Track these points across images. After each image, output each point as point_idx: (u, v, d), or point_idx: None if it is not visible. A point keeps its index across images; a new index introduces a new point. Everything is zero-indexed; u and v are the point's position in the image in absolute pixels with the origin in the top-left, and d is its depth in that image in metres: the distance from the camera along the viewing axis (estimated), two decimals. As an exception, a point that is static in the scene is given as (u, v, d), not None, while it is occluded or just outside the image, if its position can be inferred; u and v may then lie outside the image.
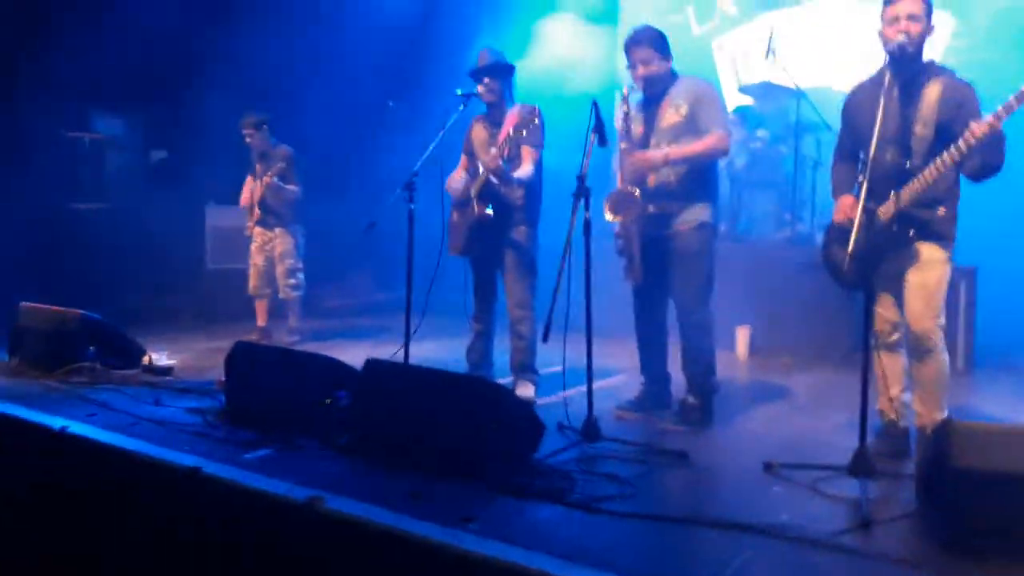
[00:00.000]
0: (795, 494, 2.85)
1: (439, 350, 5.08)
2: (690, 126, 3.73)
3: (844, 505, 2.70)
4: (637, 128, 3.86)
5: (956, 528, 2.30)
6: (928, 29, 3.07)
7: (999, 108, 2.75)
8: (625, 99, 3.82)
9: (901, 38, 3.01)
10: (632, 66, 3.81)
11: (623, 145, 3.79)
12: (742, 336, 5.76)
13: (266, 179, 5.93)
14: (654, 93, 3.83)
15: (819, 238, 4.01)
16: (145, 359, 4.94)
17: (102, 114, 8.14)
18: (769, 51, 6.23)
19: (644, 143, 3.82)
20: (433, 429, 3.09)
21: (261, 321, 6.24)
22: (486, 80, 4.24)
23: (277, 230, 6.12)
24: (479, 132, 4.45)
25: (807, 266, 5.39)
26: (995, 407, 4.20)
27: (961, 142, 2.84)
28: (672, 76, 3.84)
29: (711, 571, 2.24)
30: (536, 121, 4.14)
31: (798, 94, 6.14)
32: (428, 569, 2.40)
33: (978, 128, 2.77)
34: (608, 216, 3.74)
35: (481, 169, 4.15)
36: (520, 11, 7.45)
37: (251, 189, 6.21)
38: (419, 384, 3.26)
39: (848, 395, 4.35)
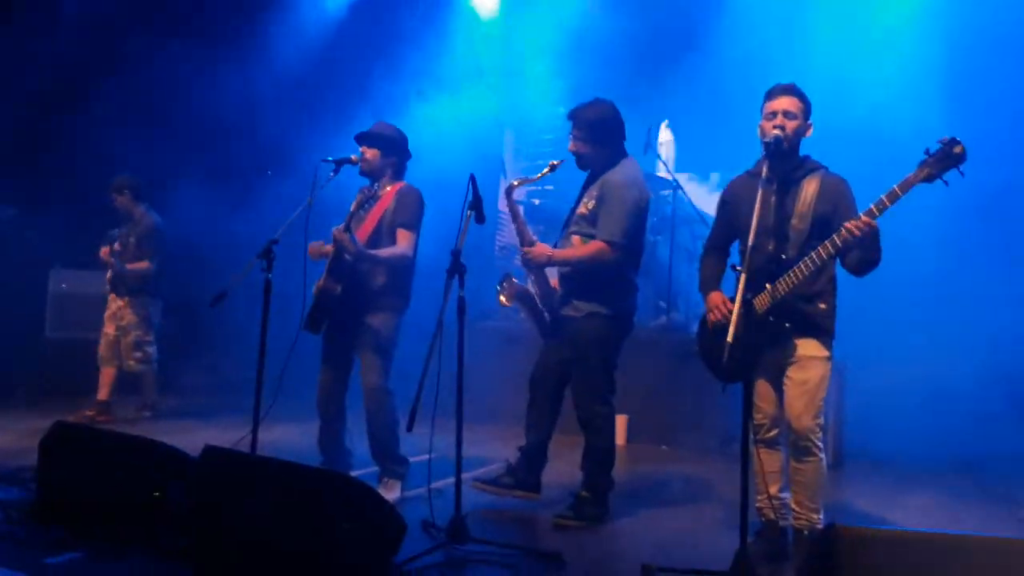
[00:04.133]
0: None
1: (296, 436, 4.67)
2: (592, 223, 3.67)
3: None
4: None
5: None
6: (805, 127, 3.12)
7: (872, 206, 2.78)
8: (511, 191, 3.80)
9: (777, 133, 3.03)
10: (568, 135, 3.77)
11: (519, 240, 3.79)
12: (619, 424, 5.63)
13: (105, 251, 5.65)
14: (590, 172, 3.79)
15: (694, 327, 3.98)
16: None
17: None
18: (647, 146, 6.38)
19: (567, 224, 3.82)
20: (280, 530, 2.71)
21: (102, 394, 5.77)
22: (363, 148, 4.02)
23: (127, 299, 5.82)
24: (354, 204, 4.18)
25: (684, 355, 5.40)
26: (867, 503, 4.19)
27: (837, 238, 2.84)
28: (612, 161, 3.71)
29: None
30: (408, 199, 3.95)
31: (674, 184, 6.27)
32: None
33: (854, 226, 2.77)
34: (502, 300, 3.78)
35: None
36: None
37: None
38: (264, 477, 2.87)
39: (725, 488, 4.31)
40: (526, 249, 3.71)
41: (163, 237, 5.88)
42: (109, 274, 5.79)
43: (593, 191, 3.71)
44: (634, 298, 3.82)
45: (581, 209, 3.73)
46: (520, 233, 3.79)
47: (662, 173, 6.38)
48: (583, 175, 3.86)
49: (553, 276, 3.86)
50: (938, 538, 2.19)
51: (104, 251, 5.71)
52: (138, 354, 5.75)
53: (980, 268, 5.72)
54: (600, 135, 3.69)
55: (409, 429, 2.95)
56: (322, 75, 7.56)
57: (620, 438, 5.64)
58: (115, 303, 5.82)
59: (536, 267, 3.74)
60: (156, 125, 6.98)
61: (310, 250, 4.04)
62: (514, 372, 5.03)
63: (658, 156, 6.40)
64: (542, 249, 3.70)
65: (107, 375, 5.78)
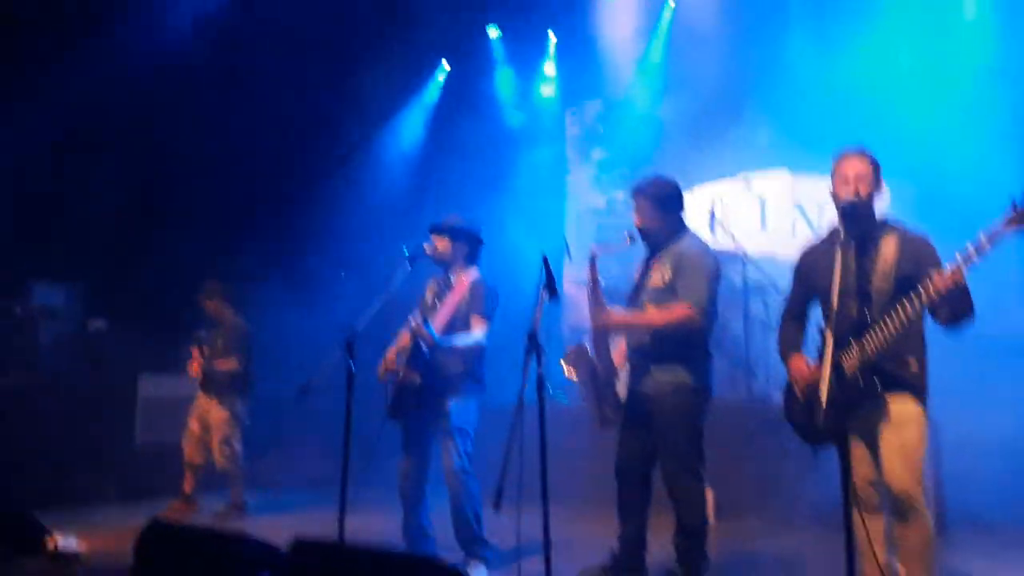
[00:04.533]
0: None
1: (381, 523, 4.65)
2: (670, 293, 3.62)
3: None
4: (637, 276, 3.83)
5: None
6: (877, 187, 3.09)
7: (958, 258, 2.70)
8: (593, 259, 3.80)
9: (851, 197, 3.01)
10: (633, 211, 3.80)
11: (590, 305, 3.75)
12: (707, 499, 5.44)
13: (196, 352, 5.88)
14: (652, 245, 3.78)
15: (775, 396, 3.89)
16: (49, 543, 4.41)
17: (39, 283, 7.91)
18: (713, 220, 6.40)
19: (635, 297, 3.76)
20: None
21: (187, 488, 5.91)
22: (434, 237, 4.15)
23: (214, 398, 5.97)
24: (428, 293, 4.30)
25: (768, 424, 5.25)
26: (976, 568, 3.98)
27: (923, 292, 2.77)
28: (675, 233, 3.74)
29: None
30: (480, 290, 4.04)
31: (743, 258, 6.23)
32: None
33: (940, 281, 2.71)
34: (568, 373, 3.72)
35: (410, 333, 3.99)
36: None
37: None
38: (355, 565, 2.87)
39: (820, 561, 4.11)
40: (604, 314, 3.66)
41: (250, 337, 6.08)
42: (199, 376, 5.97)
43: (665, 262, 3.69)
44: (712, 366, 3.75)
45: (654, 281, 3.70)
46: (595, 300, 3.74)
47: (727, 245, 6.34)
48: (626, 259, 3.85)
49: (616, 354, 3.82)
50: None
51: (195, 351, 5.91)
52: (227, 450, 5.87)
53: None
54: (665, 208, 3.73)
55: (497, 507, 2.92)
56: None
57: (709, 513, 5.45)
58: (203, 401, 5.98)
59: (609, 331, 3.68)
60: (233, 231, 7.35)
61: (380, 368, 4.13)
62: (590, 449, 4.98)
63: (724, 228, 6.38)
64: (620, 314, 3.66)
65: (190, 473, 5.93)
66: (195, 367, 5.95)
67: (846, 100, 6.22)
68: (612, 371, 3.75)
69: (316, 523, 4.45)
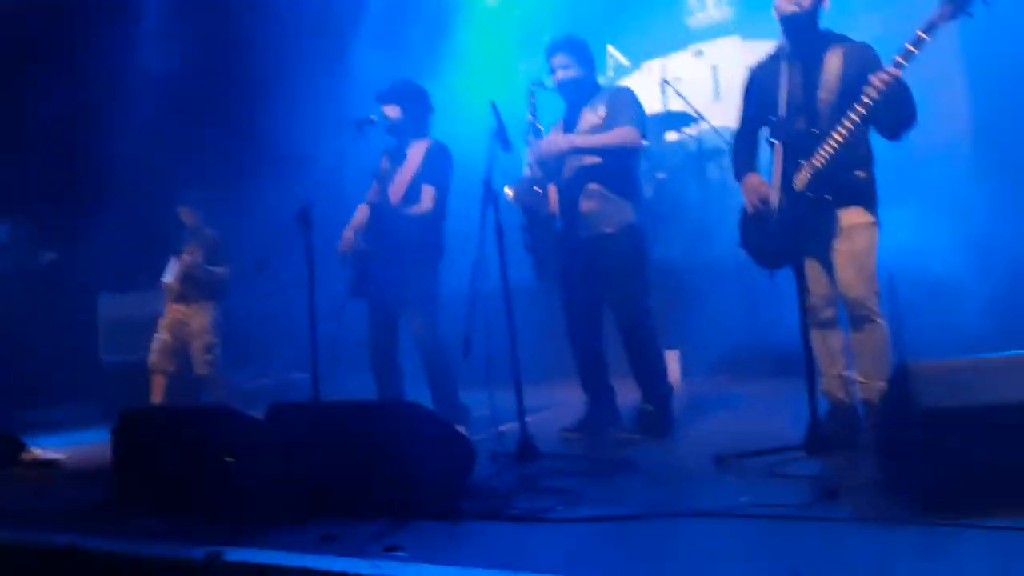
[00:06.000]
0: (752, 480, 2.62)
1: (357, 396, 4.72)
2: (608, 128, 3.64)
3: (804, 482, 2.48)
4: (555, 131, 3.77)
5: (931, 475, 2.07)
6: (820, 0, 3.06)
7: (897, 56, 2.72)
8: (532, 94, 3.75)
9: (793, 8, 2.98)
10: (551, 71, 3.76)
11: (530, 137, 3.70)
12: (671, 361, 5.57)
13: (190, 257, 5.67)
14: (574, 100, 3.77)
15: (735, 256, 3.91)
16: (27, 455, 4.41)
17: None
18: (663, 82, 6.32)
19: None
20: (351, 466, 2.74)
21: (156, 398, 5.78)
22: (384, 107, 4.06)
23: (195, 305, 5.79)
24: (384, 163, 4.23)
25: (726, 281, 5.36)
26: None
27: (865, 98, 2.79)
28: (594, 86, 3.79)
29: (677, 561, 1.96)
30: (434, 156, 3.99)
31: (698, 119, 6.21)
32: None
33: (879, 78, 2.72)
34: (508, 194, 3.67)
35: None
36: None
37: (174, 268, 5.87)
38: (330, 419, 2.91)
39: (791, 397, 4.24)
40: (544, 140, 3.63)
41: (228, 246, 5.93)
42: (176, 283, 5.85)
43: (597, 105, 3.69)
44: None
45: (588, 122, 3.68)
46: (534, 131, 3.71)
47: (682, 107, 6.30)
48: None
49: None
50: (1016, 359, 2.13)
51: (184, 259, 5.78)
52: (208, 356, 5.72)
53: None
54: (588, 62, 3.75)
55: (465, 355, 2.97)
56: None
57: (674, 375, 5.60)
58: (180, 310, 5.82)
59: (555, 155, 3.65)
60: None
61: (343, 241, 4.09)
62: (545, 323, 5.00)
63: (675, 90, 6.32)
64: (557, 136, 3.64)
65: (159, 381, 5.81)
66: (177, 276, 5.81)
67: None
68: (555, 219, 3.71)
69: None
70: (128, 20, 7.22)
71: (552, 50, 3.76)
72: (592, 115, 3.69)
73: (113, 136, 7.19)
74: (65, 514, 3.15)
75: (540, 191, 3.59)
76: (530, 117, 3.73)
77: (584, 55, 3.75)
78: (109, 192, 7.00)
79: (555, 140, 3.63)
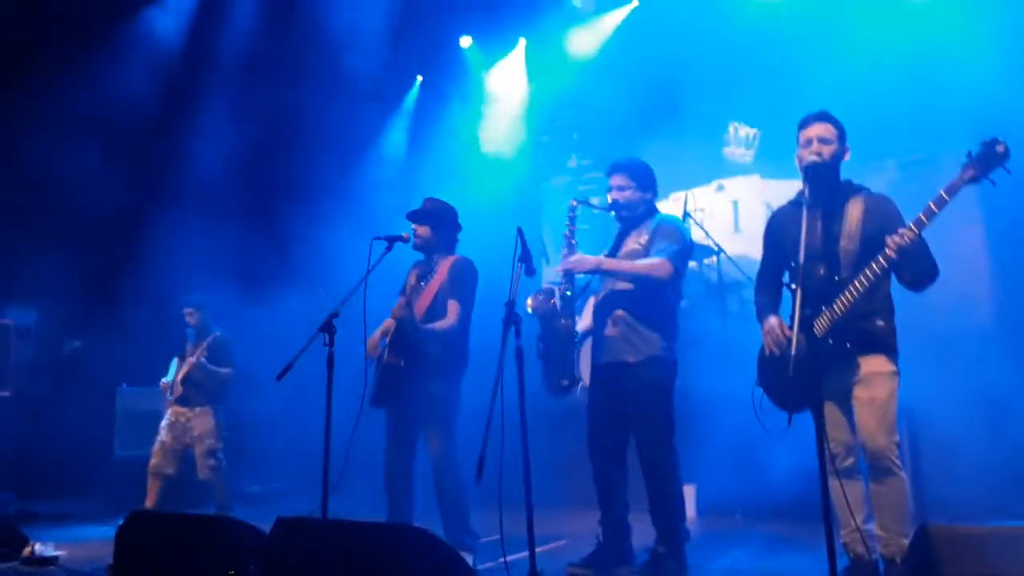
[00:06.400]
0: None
1: (367, 513, 4.62)
2: (646, 254, 3.70)
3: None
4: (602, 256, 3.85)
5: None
6: (842, 150, 3.18)
7: (920, 215, 2.80)
8: (573, 209, 3.87)
9: (814, 158, 3.09)
10: (608, 190, 3.87)
11: (565, 251, 3.78)
12: (688, 495, 5.47)
13: (194, 357, 5.76)
14: (626, 220, 3.85)
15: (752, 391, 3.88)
16: (27, 550, 4.35)
17: (10, 304, 7.85)
18: (685, 214, 6.47)
19: None
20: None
21: (149, 502, 5.71)
22: (414, 226, 4.19)
23: (198, 409, 5.83)
24: (412, 278, 4.33)
25: (746, 413, 5.29)
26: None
27: (886, 252, 2.85)
28: (649, 211, 3.86)
29: None
30: (459, 272, 4.08)
31: (718, 252, 6.31)
32: None
33: (898, 238, 2.79)
34: (528, 304, 3.73)
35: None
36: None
37: (178, 368, 5.94)
38: (338, 540, 2.87)
39: (809, 542, 4.11)
40: (573, 256, 3.70)
41: (233, 347, 6.01)
42: (178, 388, 5.89)
43: (642, 231, 3.76)
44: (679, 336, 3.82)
45: (630, 247, 3.76)
46: (571, 249, 3.78)
47: (703, 239, 6.42)
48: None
49: (581, 323, 3.86)
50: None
51: (188, 360, 5.83)
52: (211, 461, 5.71)
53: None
54: (643, 186, 3.83)
55: (478, 478, 2.93)
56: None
57: (690, 510, 5.47)
58: (182, 413, 5.84)
59: (581, 272, 3.72)
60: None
61: (368, 346, 4.14)
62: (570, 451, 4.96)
63: (697, 222, 6.46)
64: (589, 256, 3.71)
65: (154, 486, 5.76)
66: (179, 377, 5.86)
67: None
68: (573, 333, 3.75)
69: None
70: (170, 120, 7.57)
71: (613, 169, 3.87)
72: (635, 240, 3.76)
73: (149, 232, 7.42)
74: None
75: (556, 304, 3.65)
76: (567, 232, 3.82)
77: (645, 179, 3.83)
78: (137, 285, 7.18)
79: (583, 258, 3.70)
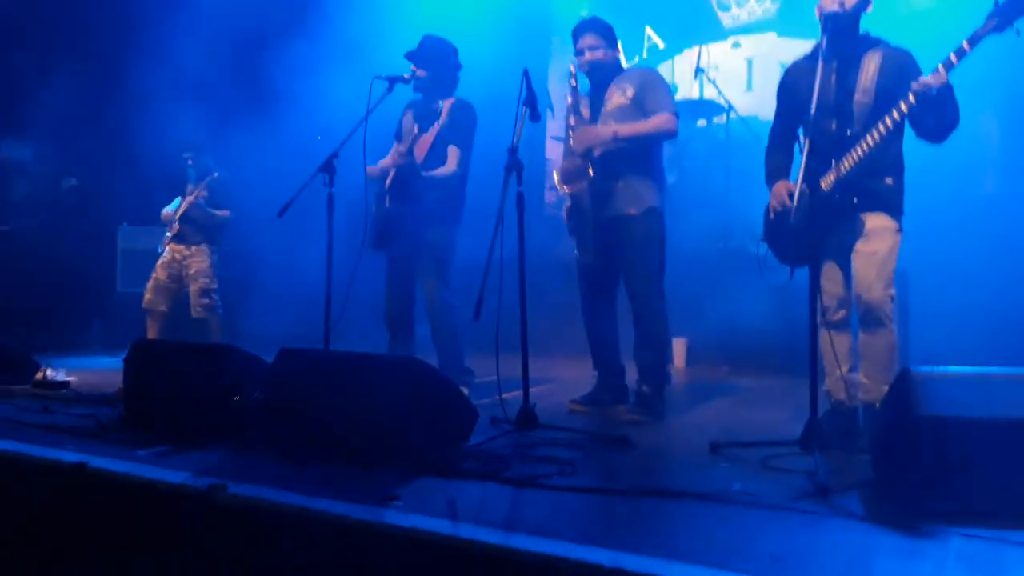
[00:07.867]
0: (745, 470, 2.65)
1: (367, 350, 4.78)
2: (636, 108, 3.70)
3: (797, 476, 2.51)
4: (584, 110, 3.81)
5: (923, 483, 2.11)
6: (864, 1, 3.04)
7: (940, 65, 2.71)
8: (574, 75, 3.82)
9: (835, 8, 2.97)
10: (579, 53, 3.80)
11: (572, 120, 3.76)
12: (679, 348, 5.64)
13: (192, 197, 5.74)
14: (600, 80, 3.82)
15: (752, 250, 3.91)
16: (39, 375, 4.51)
17: (5, 139, 7.73)
18: (698, 70, 6.28)
19: (595, 123, 3.79)
20: (354, 416, 2.80)
21: (151, 336, 5.81)
22: (414, 66, 4.07)
23: (195, 247, 5.86)
24: (408, 120, 4.25)
25: (743, 274, 5.35)
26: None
27: (904, 104, 2.79)
28: (619, 66, 3.86)
29: (662, 539, 2.01)
30: (463, 117, 4.00)
31: (728, 109, 6.18)
32: (346, 551, 2.10)
33: (925, 80, 2.72)
34: (560, 187, 3.75)
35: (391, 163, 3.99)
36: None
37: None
38: (338, 368, 2.97)
39: (790, 394, 4.28)
40: (588, 128, 3.68)
41: (232, 189, 5.98)
42: (176, 225, 5.91)
43: (624, 84, 3.73)
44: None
45: (616, 102, 3.72)
46: (576, 113, 3.77)
47: (713, 96, 6.28)
48: None
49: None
50: (1016, 376, 2.16)
51: (188, 199, 5.82)
52: (205, 300, 5.79)
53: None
54: (612, 42, 3.80)
55: (475, 317, 3.00)
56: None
57: (680, 361, 5.66)
58: (177, 252, 5.89)
59: (598, 145, 3.67)
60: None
61: (368, 172, 4.11)
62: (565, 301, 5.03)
63: (709, 79, 6.29)
64: (602, 128, 3.68)
65: (153, 322, 5.84)
66: (178, 215, 5.88)
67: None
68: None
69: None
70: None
71: (579, 30, 3.80)
72: (620, 94, 3.73)
73: (144, 65, 7.18)
74: (73, 431, 3.24)
75: (588, 169, 3.64)
76: (570, 100, 3.79)
77: (610, 36, 3.81)
78: (136, 123, 7.03)
79: (599, 130, 3.67)
